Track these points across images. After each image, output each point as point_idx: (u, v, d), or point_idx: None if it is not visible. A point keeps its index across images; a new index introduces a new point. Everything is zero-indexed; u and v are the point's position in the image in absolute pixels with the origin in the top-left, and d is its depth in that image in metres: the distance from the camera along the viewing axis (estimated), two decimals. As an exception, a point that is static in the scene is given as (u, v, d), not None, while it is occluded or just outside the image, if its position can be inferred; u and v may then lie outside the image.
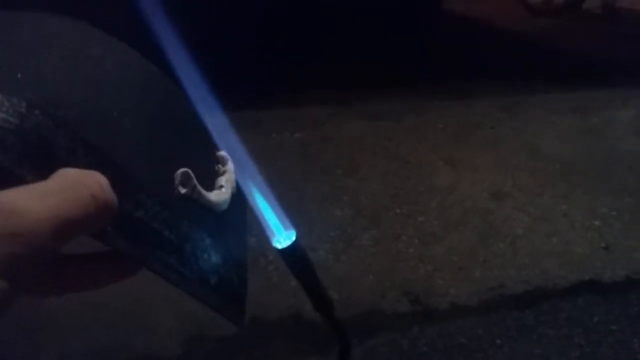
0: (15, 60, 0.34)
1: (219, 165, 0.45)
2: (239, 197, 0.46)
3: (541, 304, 1.44)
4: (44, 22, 0.40)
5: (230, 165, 0.46)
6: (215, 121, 0.50)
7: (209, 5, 2.53)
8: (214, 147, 0.46)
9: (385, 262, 1.55)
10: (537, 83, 2.98)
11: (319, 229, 1.66)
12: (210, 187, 0.43)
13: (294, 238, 0.56)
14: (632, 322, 1.37)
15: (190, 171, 0.38)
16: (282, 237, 0.55)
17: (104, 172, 0.30)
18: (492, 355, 1.29)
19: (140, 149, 0.37)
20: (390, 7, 3.22)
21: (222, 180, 0.44)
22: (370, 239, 1.64)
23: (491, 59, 3.42)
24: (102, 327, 1.28)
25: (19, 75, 0.33)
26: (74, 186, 0.28)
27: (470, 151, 2.18)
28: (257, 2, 2.72)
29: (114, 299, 1.35)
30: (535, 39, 4.03)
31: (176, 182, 0.38)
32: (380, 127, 2.34)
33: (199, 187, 0.39)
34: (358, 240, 1.63)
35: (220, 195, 0.43)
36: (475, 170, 2.04)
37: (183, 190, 0.38)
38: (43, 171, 0.29)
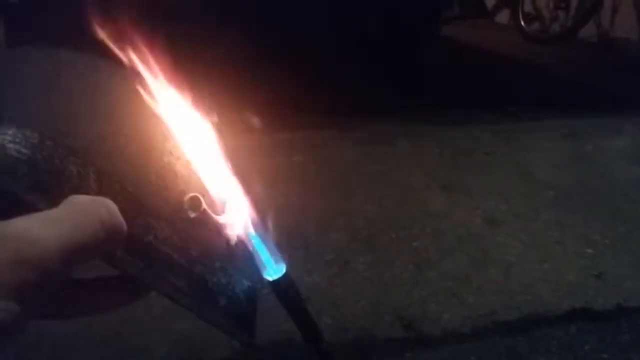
0: (27, 94, 0.36)
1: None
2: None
3: (533, 331, 1.45)
4: (54, 57, 0.42)
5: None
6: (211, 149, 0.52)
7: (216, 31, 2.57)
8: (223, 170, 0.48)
9: (379, 287, 1.56)
10: (532, 110, 3.02)
11: (314, 252, 1.67)
12: (220, 210, 0.45)
13: (284, 271, 0.57)
14: (623, 350, 1.38)
15: (199, 196, 0.40)
16: (273, 270, 0.57)
17: (114, 198, 0.32)
18: (484, 382, 1.30)
19: (149, 174, 0.38)
20: (387, 34, 3.27)
21: (229, 203, 0.46)
22: (364, 263, 1.65)
23: (487, 85, 3.47)
24: (95, 347, 1.28)
25: (31, 109, 0.35)
26: (83, 213, 0.29)
27: (464, 176, 2.20)
28: (256, 28, 2.76)
29: (108, 319, 1.35)
30: (531, 66, 4.08)
31: (185, 206, 0.39)
32: (376, 151, 2.37)
33: (208, 211, 0.41)
34: (353, 264, 1.64)
35: (228, 217, 0.45)
36: (469, 195, 2.06)
37: (192, 215, 0.39)
38: (54, 198, 0.30)
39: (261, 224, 0.57)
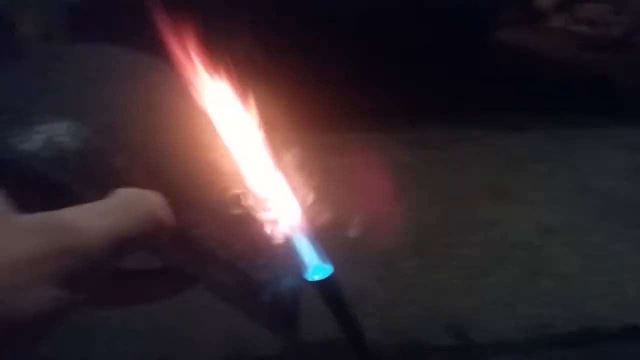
0: (80, 89, 0.37)
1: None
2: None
3: (587, 347, 1.39)
4: (106, 54, 0.43)
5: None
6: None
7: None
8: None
9: (428, 293, 1.53)
10: (593, 117, 2.91)
11: (363, 254, 1.66)
12: (263, 208, 0.45)
13: (330, 272, 0.56)
14: (685, 371, 1.31)
15: (243, 192, 0.40)
16: (319, 270, 0.56)
17: (161, 192, 0.32)
18: (535, 396, 1.26)
19: (196, 170, 0.39)
20: (443, 38, 3.22)
21: (271, 199, 0.45)
22: (413, 268, 1.63)
23: (544, 91, 3.37)
24: (149, 337, 1.31)
25: (84, 103, 0.36)
26: (131, 205, 0.30)
27: (520, 184, 2.14)
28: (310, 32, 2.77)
29: (163, 310, 1.37)
30: (589, 72, 3.94)
31: (230, 203, 0.39)
32: (427, 155, 2.34)
33: (253, 208, 0.41)
34: (401, 268, 1.62)
35: (271, 213, 0.43)
36: (524, 204, 2.01)
37: (237, 211, 0.39)
38: (102, 191, 0.30)
39: (307, 223, 0.56)
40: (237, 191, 0.40)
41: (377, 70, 2.98)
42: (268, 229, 0.44)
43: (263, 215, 0.43)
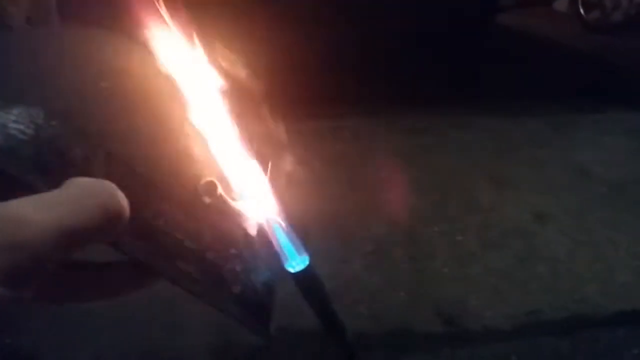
0: (35, 74, 0.36)
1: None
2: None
3: (579, 333, 1.39)
4: (64, 36, 0.42)
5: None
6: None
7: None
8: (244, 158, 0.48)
9: (419, 280, 1.53)
10: (591, 102, 2.88)
11: (355, 242, 1.66)
12: (238, 196, 0.44)
13: (307, 263, 0.56)
14: (675, 357, 1.31)
15: (215, 181, 0.38)
16: (296, 261, 0.55)
17: (121, 181, 0.31)
18: (524, 382, 1.26)
19: (163, 158, 0.37)
20: (443, 23, 3.19)
21: (248, 190, 0.44)
22: (405, 255, 1.63)
23: (544, 76, 3.34)
24: (135, 327, 1.32)
25: (39, 88, 0.34)
26: (83, 195, 0.28)
27: (515, 170, 2.13)
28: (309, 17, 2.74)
29: (148, 301, 1.38)
30: (591, 56, 3.91)
31: (200, 191, 0.38)
32: (422, 141, 2.32)
33: (225, 197, 0.40)
34: (393, 256, 1.62)
35: (245, 204, 0.42)
36: (519, 190, 2.00)
37: (208, 200, 0.38)
38: (55, 181, 0.29)
39: (283, 213, 0.56)
40: (208, 179, 0.38)
41: (374, 56, 2.96)
42: (241, 219, 0.44)
43: (235, 205, 0.43)
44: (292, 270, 0.57)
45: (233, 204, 0.42)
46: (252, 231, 0.45)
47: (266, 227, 0.54)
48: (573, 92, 3.02)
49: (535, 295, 1.51)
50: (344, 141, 2.24)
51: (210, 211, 0.38)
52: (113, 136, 0.34)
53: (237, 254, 0.41)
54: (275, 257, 0.48)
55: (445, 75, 3.09)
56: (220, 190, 0.40)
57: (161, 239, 0.34)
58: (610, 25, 4.46)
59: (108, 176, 0.31)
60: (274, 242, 0.55)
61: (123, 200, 0.30)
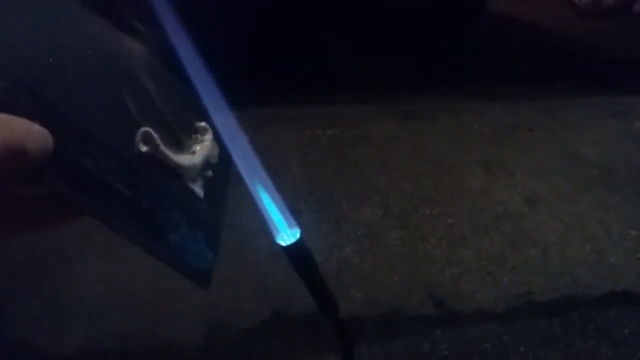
0: None
1: (197, 135, 0.46)
2: (219, 170, 0.47)
3: (570, 314, 1.40)
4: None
5: (209, 136, 0.47)
6: (223, 119, 0.51)
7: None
8: (195, 118, 0.47)
9: (412, 264, 1.54)
10: (581, 87, 2.89)
11: (347, 226, 1.66)
12: (181, 151, 0.44)
13: (298, 236, 0.56)
14: (664, 336, 1.33)
15: (152, 131, 0.39)
16: (287, 235, 0.55)
17: (45, 120, 0.31)
18: (515, 363, 1.27)
19: (98, 106, 0.38)
20: (433, 7, 3.18)
21: (196, 147, 0.46)
22: (397, 239, 1.63)
23: (534, 60, 3.35)
24: (127, 313, 1.31)
25: None
26: None
27: (506, 154, 2.14)
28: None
29: (141, 287, 1.38)
30: (582, 42, 3.91)
31: (137, 140, 0.39)
32: (415, 126, 2.32)
33: (163, 148, 0.40)
34: (385, 239, 1.62)
35: (190, 159, 0.44)
36: (510, 173, 2.01)
37: (144, 149, 0.39)
38: None
39: (273, 188, 0.55)
40: (144, 129, 0.39)
41: (364, 41, 2.94)
42: (183, 172, 0.43)
43: (176, 158, 0.43)
44: (283, 244, 0.56)
45: (174, 156, 0.42)
46: (196, 185, 0.45)
47: (258, 203, 0.54)
48: (562, 77, 3.03)
49: (527, 277, 1.51)
50: (335, 126, 2.23)
51: (145, 160, 0.39)
52: (38, 76, 0.34)
53: (177, 204, 0.42)
54: (219, 209, 0.49)
55: (434, 61, 3.09)
56: (158, 141, 0.40)
57: (88, 179, 0.34)
58: (603, 10, 4.47)
59: (29, 113, 0.31)
60: (265, 215, 0.55)
61: (28, 138, 0.29)
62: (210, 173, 0.47)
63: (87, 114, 0.36)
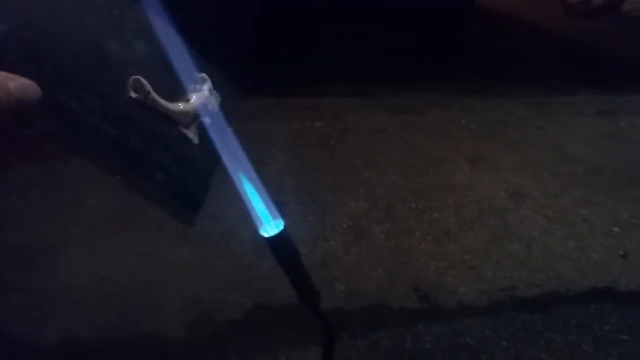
0: None
1: (195, 85, 0.49)
2: (215, 120, 0.50)
3: (552, 309, 1.41)
4: None
5: (207, 86, 0.49)
6: (213, 112, 0.51)
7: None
8: (194, 69, 0.50)
9: (396, 257, 1.54)
10: (569, 84, 2.92)
11: (332, 218, 1.66)
12: (176, 100, 0.47)
13: (281, 228, 0.56)
14: (644, 332, 1.34)
15: (142, 79, 0.42)
16: (270, 226, 0.55)
17: (31, 66, 0.34)
18: (497, 356, 1.28)
19: (89, 55, 0.40)
20: (423, 2, 3.18)
21: (192, 95, 0.48)
22: (382, 232, 1.63)
23: (522, 57, 3.36)
24: (110, 303, 1.30)
25: None
26: None
27: (492, 149, 2.15)
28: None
29: (124, 277, 1.37)
30: (571, 40, 3.93)
31: (128, 86, 0.41)
32: (402, 120, 2.32)
33: (154, 95, 0.43)
34: (370, 232, 1.62)
35: (183, 106, 0.46)
36: (496, 169, 2.01)
37: (134, 95, 0.41)
38: None
39: (257, 180, 0.55)
40: (134, 77, 0.42)
41: (354, 35, 2.94)
42: (174, 119, 0.46)
43: (168, 105, 0.45)
44: (266, 235, 0.56)
45: (165, 103, 0.45)
46: (189, 131, 0.48)
47: (242, 194, 0.54)
48: (550, 74, 3.04)
49: (510, 272, 1.52)
50: (322, 119, 2.22)
51: (135, 105, 0.42)
52: (31, 26, 0.36)
53: (166, 146, 0.44)
54: (211, 157, 0.51)
55: (423, 55, 3.09)
56: (148, 88, 0.43)
57: (75, 120, 0.37)
58: (591, 9, 4.50)
59: (18, 61, 0.33)
60: (249, 208, 0.55)
61: (15, 83, 0.33)
62: (208, 120, 0.49)
63: (76, 62, 0.38)
